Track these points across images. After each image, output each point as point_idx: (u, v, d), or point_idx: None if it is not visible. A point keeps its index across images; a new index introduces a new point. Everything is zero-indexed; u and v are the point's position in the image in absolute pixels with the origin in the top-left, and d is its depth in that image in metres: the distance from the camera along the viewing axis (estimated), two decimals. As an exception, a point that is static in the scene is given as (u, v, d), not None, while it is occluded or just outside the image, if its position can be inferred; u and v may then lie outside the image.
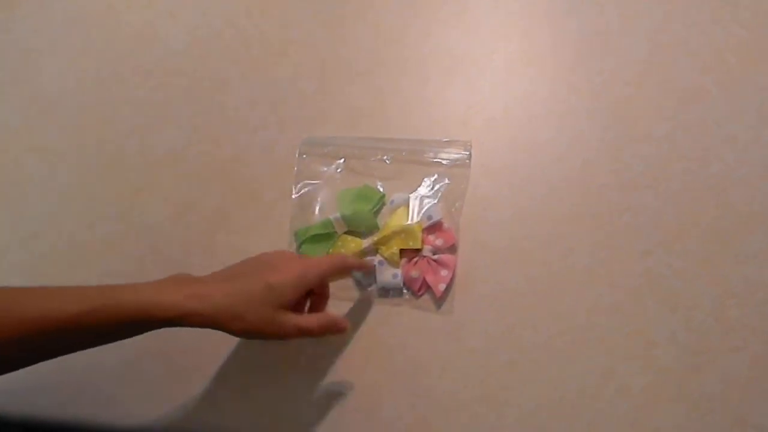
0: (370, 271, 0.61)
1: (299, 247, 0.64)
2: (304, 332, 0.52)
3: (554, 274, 0.61)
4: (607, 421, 0.56)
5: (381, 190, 0.65)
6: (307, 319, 0.52)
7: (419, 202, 0.63)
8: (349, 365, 0.60)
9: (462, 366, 0.59)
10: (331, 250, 0.62)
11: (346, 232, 0.64)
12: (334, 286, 0.62)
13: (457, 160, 0.65)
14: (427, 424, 0.58)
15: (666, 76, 0.68)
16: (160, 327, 0.48)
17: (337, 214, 0.63)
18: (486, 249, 0.62)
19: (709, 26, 0.69)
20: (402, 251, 0.61)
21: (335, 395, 0.59)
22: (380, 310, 0.62)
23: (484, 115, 0.68)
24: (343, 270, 0.58)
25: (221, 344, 0.62)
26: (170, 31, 0.77)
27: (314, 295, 0.57)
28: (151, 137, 0.71)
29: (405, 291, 0.61)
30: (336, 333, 0.54)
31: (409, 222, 0.62)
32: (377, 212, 0.64)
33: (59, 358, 0.62)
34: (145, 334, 0.61)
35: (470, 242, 0.63)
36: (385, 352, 0.60)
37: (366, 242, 0.62)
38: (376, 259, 0.62)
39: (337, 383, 0.60)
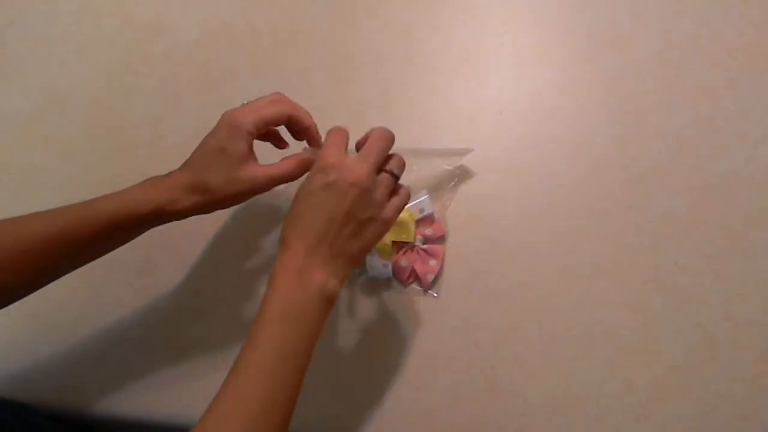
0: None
1: None
2: (278, 178, 0.54)
3: (561, 270, 0.61)
4: (612, 416, 0.56)
5: None
6: (278, 166, 0.55)
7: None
8: (352, 360, 0.61)
9: (468, 360, 0.59)
10: None
11: None
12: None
13: (454, 161, 0.65)
14: (432, 417, 0.58)
15: (676, 73, 0.67)
16: (143, 224, 0.53)
17: None
18: (493, 244, 0.63)
19: (719, 24, 0.69)
20: (393, 242, 0.62)
21: (341, 392, 0.59)
22: (372, 303, 0.62)
23: (492, 110, 0.68)
24: (280, 105, 0.56)
25: (226, 338, 0.62)
26: (180, 22, 0.77)
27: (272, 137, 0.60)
28: (161, 128, 0.72)
29: (395, 281, 0.62)
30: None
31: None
32: None
33: (66, 354, 0.63)
34: (151, 331, 0.61)
35: (477, 237, 0.63)
36: (386, 345, 0.60)
37: None
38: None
39: (342, 379, 0.60)
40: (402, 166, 0.53)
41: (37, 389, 0.61)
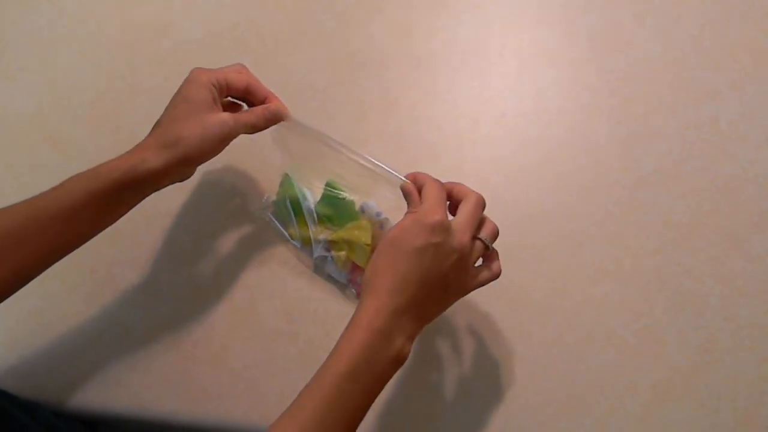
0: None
1: (280, 191, 0.63)
2: (246, 122, 0.55)
3: (563, 271, 0.61)
4: (615, 418, 0.56)
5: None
6: (245, 113, 0.56)
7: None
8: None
9: (470, 361, 0.59)
10: (294, 227, 0.62)
11: (319, 215, 0.62)
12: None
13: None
14: (434, 417, 0.58)
15: (678, 75, 0.68)
16: (119, 193, 0.52)
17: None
18: (495, 244, 0.62)
19: (721, 25, 0.69)
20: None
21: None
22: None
23: (495, 112, 0.68)
24: (242, 75, 0.57)
25: (229, 336, 0.62)
26: (185, 22, 0.77)
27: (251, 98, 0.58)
28: (164, 128, 0.71)
29: (352, 289, 0.62)
30: (278, 119, 0.57)
31: (367, 241, 0.60)
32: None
33: (69, 349, 0.62)
34: (154, 326, 0.63)
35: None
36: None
37: (324, 234, 0.62)
38: (330, 254, 0.61)
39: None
40: (495, 236, 0.51)
41: (39, 386, 0.61)
